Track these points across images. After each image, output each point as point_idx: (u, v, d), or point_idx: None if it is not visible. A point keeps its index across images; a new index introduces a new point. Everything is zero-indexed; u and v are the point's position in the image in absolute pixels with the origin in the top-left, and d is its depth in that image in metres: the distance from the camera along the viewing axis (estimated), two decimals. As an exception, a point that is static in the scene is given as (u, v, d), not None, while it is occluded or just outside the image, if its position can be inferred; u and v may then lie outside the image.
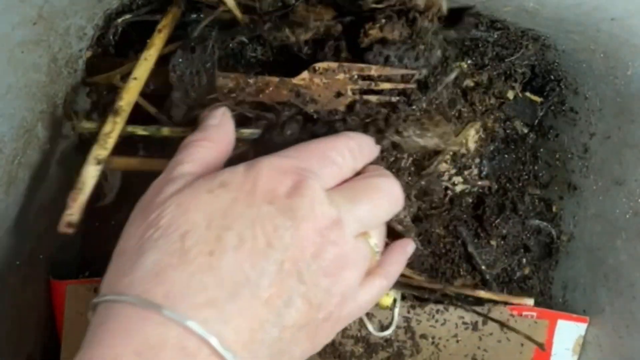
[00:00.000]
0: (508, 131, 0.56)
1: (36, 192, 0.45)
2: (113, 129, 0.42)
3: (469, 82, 0.53)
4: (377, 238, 0.38)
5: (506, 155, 0.56)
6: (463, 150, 0.54)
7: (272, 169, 0.32)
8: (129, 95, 0.44)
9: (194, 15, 0.49)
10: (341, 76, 0.44)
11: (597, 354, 0.50)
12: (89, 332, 0.30)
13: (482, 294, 0.51)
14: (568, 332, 0.51)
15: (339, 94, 0.44)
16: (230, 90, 0.45)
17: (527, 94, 0.56)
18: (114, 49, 0.49)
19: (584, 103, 0.53)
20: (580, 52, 0.50)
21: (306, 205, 0.32)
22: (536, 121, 0.57)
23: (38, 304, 0.48)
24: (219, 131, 0.39)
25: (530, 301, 0.51)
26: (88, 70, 0.49)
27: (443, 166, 0.53)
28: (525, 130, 0.57)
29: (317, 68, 0.44)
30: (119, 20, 0.47)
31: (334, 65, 0.44)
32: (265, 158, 0.33)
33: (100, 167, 0.42)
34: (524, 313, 0.51)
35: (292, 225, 0.31)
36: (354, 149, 0.38)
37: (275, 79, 0.45)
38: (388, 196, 0.38)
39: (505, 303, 0.51)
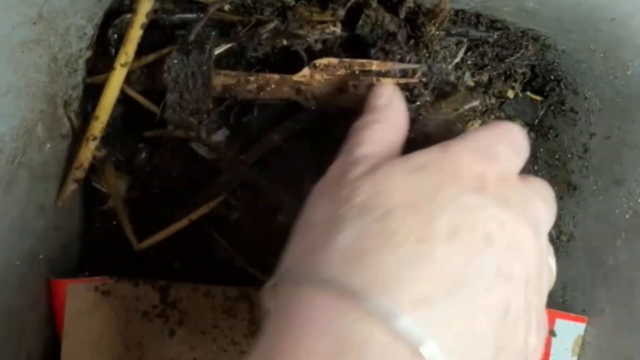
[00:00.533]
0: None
1: (36, 192, 0.45)
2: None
3: (469, 82, 0.53)
4: None
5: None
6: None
7: (472, 152, 0.28)
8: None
9: (193, 15, 0.49)
10: (342, 72, 0.44)
11: (596, 354, 0.50)
12: (271, 318, 0.26)
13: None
14: (567, 332, 0.51)
15: (340, 90, 0.44)
16: (230, 88, 0.45)
17: (528, 93, 0.56)
18: (114, 49, 0.48)
19: (584, 103, 0.53)
20: (580, 52, 0.50)
21: (523, 199, 0.28)
22: (536, 121, 0.57)
23: (38, 304, 0.48)
24: (391, 110, 0.35)
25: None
26: (88, 70, 0.49)
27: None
28: (526, 130, 0.57)
29: (317, 64, 0.44)
30: (118, 20, 0.47)
31: (334, 61, 0.44)
32: (458, 141, 0.29)
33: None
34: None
35: (513, 221, 0.26)
36: (526, 144, 0.34)
37: (276, 76, 0.45)
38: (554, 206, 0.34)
39: None
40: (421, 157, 0.28)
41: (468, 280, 0.24)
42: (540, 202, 0.30)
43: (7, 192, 0.42)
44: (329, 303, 0.23)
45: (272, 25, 0.46)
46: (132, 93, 0.48)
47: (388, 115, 0.35)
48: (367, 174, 0.28)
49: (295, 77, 0.44)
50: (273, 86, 0.45)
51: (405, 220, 0.25)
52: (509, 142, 0.31)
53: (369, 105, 0.36)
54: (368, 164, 0.29)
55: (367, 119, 0.34)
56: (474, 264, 0.24)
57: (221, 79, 0.45)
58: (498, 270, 0.24)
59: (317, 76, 0.44)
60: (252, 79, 0.45)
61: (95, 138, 0.47)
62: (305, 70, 0.44)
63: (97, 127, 0.47)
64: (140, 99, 0.48)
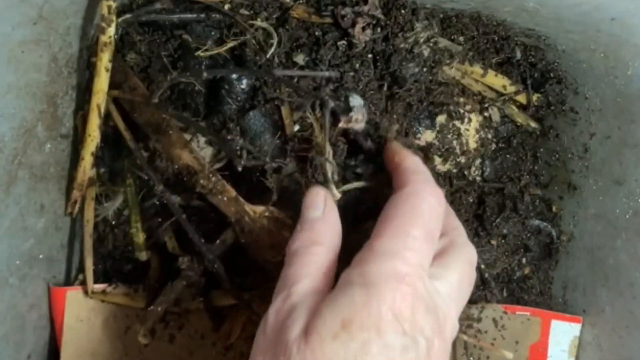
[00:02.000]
0: (509, 130, 0.56)
1: (36, 192, 0.45)
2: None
3: (470, 81, 0.53)
4: None
5: (508, 156, 0.56)
6: (464, 148, 0.54)
7: (390, 284, 0.32)
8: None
9: (194, 15, 0.49)
10: (287, 234, 0.42)
11: (596, 354, 0.50)
12: None
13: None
14: (563, 333, 0.51)
15: (272, 247, 0.43)
16: (190, 170, 0.44)
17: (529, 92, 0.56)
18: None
19: (584, 103, 0.53)
20: (580, 52, 0.50)
21: (433, 320, 0.32)
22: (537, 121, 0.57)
23: (38, 304, 0.48)
24: (327, 226, 0.37)
25: (509, 355, 0.51)
26: (89, 71, 0.49)
27: (445, 166, 0.53)
28: (530, 130, 0.57)
29: (270, 212, 0.43)
30: (119, 20, 0.47)
31: (289, 221, 0.43)
32: (375, 267, 0.32)
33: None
34: (518, 312, 0.51)
35: (427, 347, 0.31)
36: (438, 213, 0.37)
37: (233, 193, 0.44)
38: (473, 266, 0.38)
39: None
40: (344, 310, 0.31)
41: None
42: (451, 304, 0.35)
43: (7, 192, 0.42)
44: None
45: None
46: (117, 118, 0.47)
47: (325, 234, 0.37)
48: (302, 339, 0.31)
49: (247, 207, 0.43)
50: (225, 199, 0.44)
51: None
52: (421, 233, 0.34)
53: (303, 217, 0.38)
54: (304, 315, 0.32)
55: (302, 241, 0.36)
56: None
57: (188, 157, 0.45)
58: None
59: (264, 221, 0.43)
60: (213, 178, 0.44)
61: (91, 136, 0.47)
62: (259, 209, 0.43)
63: (92, 127, 0.47)
64: (121, 125, 0.47)
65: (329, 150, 0.41)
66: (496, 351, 0.50)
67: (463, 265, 0.37)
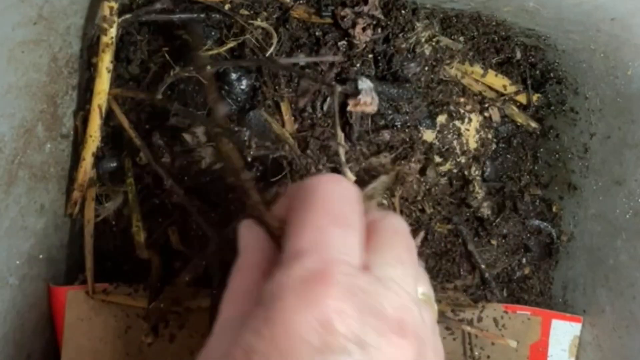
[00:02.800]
0: (509, 130, 0.56)
1: (36, 192, 0.45)
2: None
3: (470, 81, 0.53)
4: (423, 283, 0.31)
5: (508, 156, 0.56)
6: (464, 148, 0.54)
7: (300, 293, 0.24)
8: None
9: (194, 15, 0.49)
10: None
11: (597, 354, 0.50)
12: None
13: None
14: (563, 333, 0.51)
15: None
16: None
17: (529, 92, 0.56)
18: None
19: (584, 103, 0.53)
20: (580, 52, 0.50)
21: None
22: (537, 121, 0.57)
23: (38, 304, 0.48)
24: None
25: (513, 343, 0.51)
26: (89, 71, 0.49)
27: (445, 166, 0.53)
28: (530, 130, 0.57)
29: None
30: (119, 20, 0.47)
31: None
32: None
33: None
34: (518, 312, 0.51)
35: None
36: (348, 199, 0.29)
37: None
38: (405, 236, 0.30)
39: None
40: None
41: None
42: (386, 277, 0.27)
43: (7, 192, 0.42)
44: None
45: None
46: (120, 116, 0.47)
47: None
48: None
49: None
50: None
51: None
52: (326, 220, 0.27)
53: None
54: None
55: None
56: None
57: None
58: None
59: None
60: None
61: (92, 137, 0.47)
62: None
63: (93, 127, 0.47)
64: (125, 124, 0.47)
65: (340, 135, 0.41)
66: (501, 340, 0.50)
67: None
